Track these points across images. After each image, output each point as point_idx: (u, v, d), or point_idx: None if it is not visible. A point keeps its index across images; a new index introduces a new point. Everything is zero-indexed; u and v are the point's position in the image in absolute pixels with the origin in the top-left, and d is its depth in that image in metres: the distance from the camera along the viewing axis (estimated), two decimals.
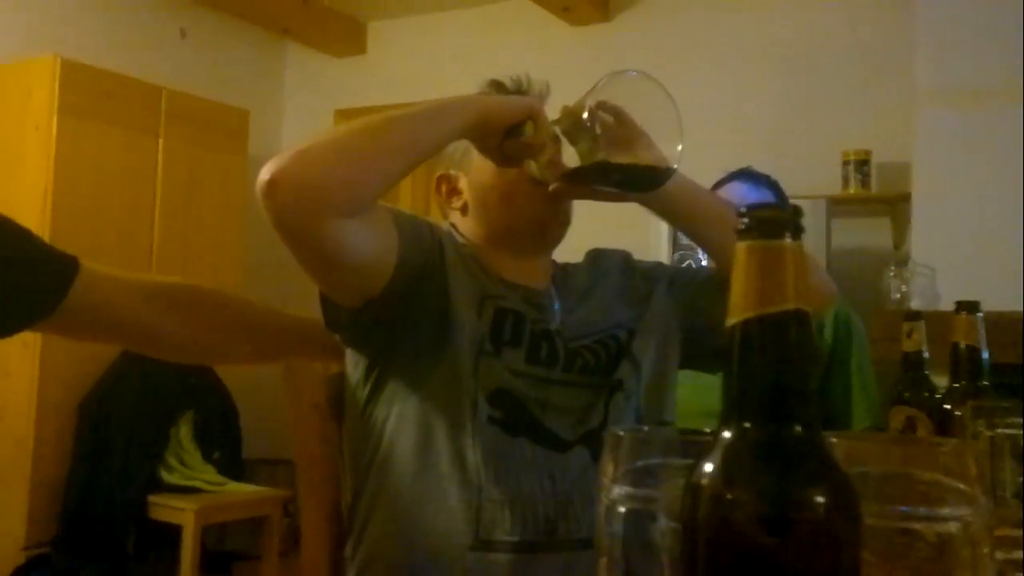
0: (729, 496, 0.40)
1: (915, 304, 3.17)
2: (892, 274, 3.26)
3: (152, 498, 3.81)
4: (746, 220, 0.43)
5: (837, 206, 3.74)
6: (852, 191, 3.80)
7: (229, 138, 4.60)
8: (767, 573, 0.38)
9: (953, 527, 0.51)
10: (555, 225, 1.44)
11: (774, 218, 0.43)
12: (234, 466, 4.24)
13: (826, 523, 0.39)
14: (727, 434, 0.42)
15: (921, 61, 3.48)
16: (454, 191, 1.48)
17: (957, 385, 1.20)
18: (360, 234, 1.20)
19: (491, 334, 1.34)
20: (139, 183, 4.21)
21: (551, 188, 1.36)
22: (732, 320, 0.42)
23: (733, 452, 0.41)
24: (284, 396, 1.41)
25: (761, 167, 2.46)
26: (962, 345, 1.20)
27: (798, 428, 0.41)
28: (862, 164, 3.79)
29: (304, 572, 1.39)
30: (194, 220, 4.40)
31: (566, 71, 4.35)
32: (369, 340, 1.34)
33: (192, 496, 3.81)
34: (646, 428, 1.24)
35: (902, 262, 3.39)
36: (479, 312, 1.34)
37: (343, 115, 5.23)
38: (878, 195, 3.81)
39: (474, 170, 1.43)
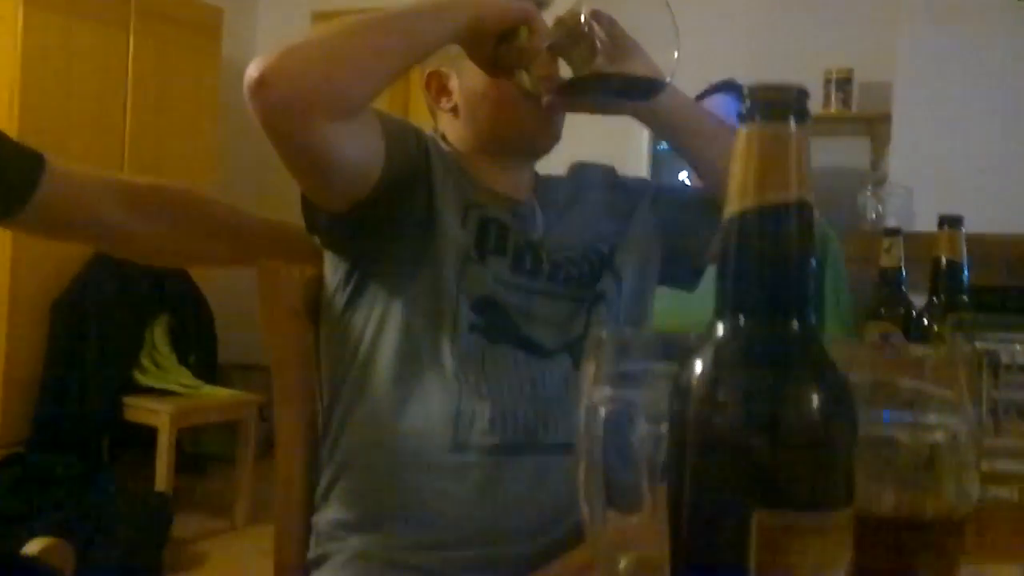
0: (720, 395, 0.39)
1: (890, 224, 3.18)
2: (869, 193, 3.26)
3: (127, 399, 3.83)
4: (749, 101, 0.41)
5: (817, 124, 3.69)
6: (833, 110, 3.78)
7: (202, 36, 4.50)
8: (757, 477, 0.38)
9: (939, 436, 0.51)
10: (546, 139, 1.42)
11: (778, 100, 0.41)
12: (209, 370, 4.26)
13: (821, 426, 0.38)
14: (720, 330, 0.41)
15: None
16: (444, 90, 1.44)
17: (936, 300, 1.20)
18: (349, 137, 1.17)
19: (476, 242, 1.33)
20: (109, 79, 4.12)
21: (544, 101, 1.33)
22: (730, 210, 0.41)
23: (726, 349, 0.40)
24: (258, 299, 1.39)
25: (743, 81, 2.43)
26: (943, 259, 1.20)
27: (795, 325, 0.40)
28: (844, 83, 3.77)
29: (278, 476, 1.40)
30: (166, 119, 4.32)
31: None
32: (351, 244, 1.33)
33: (167, 398, 3.83)
34: (629, 330, 1.24)
35: (879, 182, 3.40)
36: (464, 220, 1.33)
37: (320, 18, 5.11)
38: (859, 114, 3.80)
39: (467, 73, 1.39)
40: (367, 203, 1.25)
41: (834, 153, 3.88)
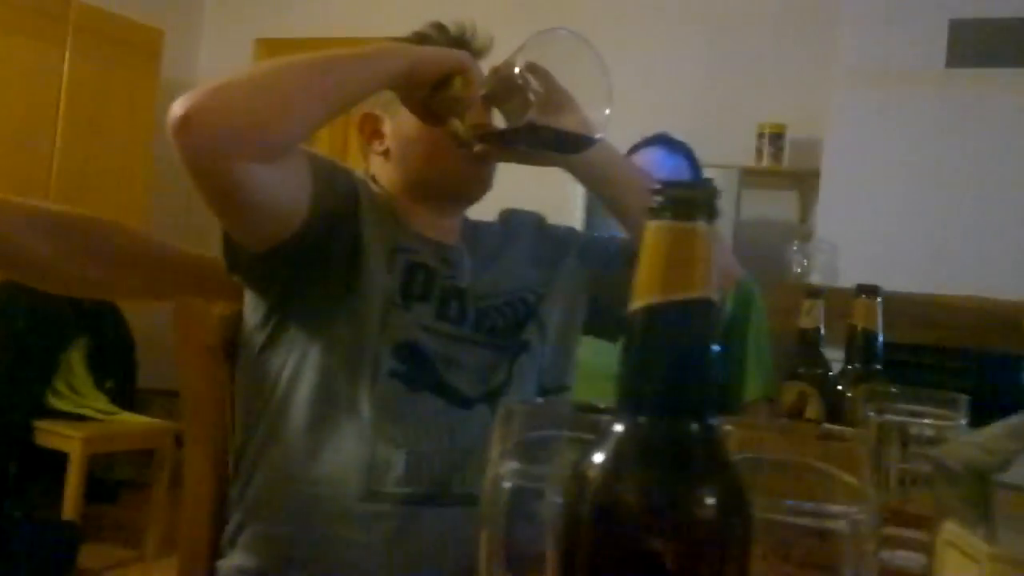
0: (614, 491, 0.38)
1: (815, 279, 3.24)
2: (796, 248, 3.33)
3: (38, 423, 3.70)
4: (660, 198, 0.41)
5: (748, 177, 3.79)
6: (765, 164, 3.85)
7: (141, 58, 4.43)
8: (648, 573, 0.37)
9: (841, 524, 0.51)
10: (476, 187, 1.41)
11: (690, 199, 0.41)
12: (127, 395, 4.15)
13: (713, 528, 0.38)
14: (619, 425, 0.41)
15: (843, 40, 3.52)
16: (377, 133, 1.43)
17: (851, 367, 1.22)
18: (274, 179, 1.15)
19: (401, 287, 1.31)
20: (42, 97, 4.03)
21: (476, 149, 1.33)
22: (635, 304, 0.41)
23: (623, 446, 0.40)
24: (174, 335, 1.36)
25: (677, 133, 2.46)
26: (859, 328, 1.22)
27: (694, 425, 0.40)
28: (776, 137, 3.85)
29: (183, 517, 1.36)
30: (98, 141, 4.24)
31: (494, 14, 4.29)
32: (272, 284, 1.30)
33: (80, 424, 3.72)
34: (540, 401, 1.23)
35: (806, 237, 3.46)
36: (390, 264, 1.32)
37: (263, 46, 5.08)
38: (789, 169, 3.87)
39: (400, 117, 1.38)
40: (291, 244, 1.23)
41: (764, 206, 3.96)
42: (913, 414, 0.98)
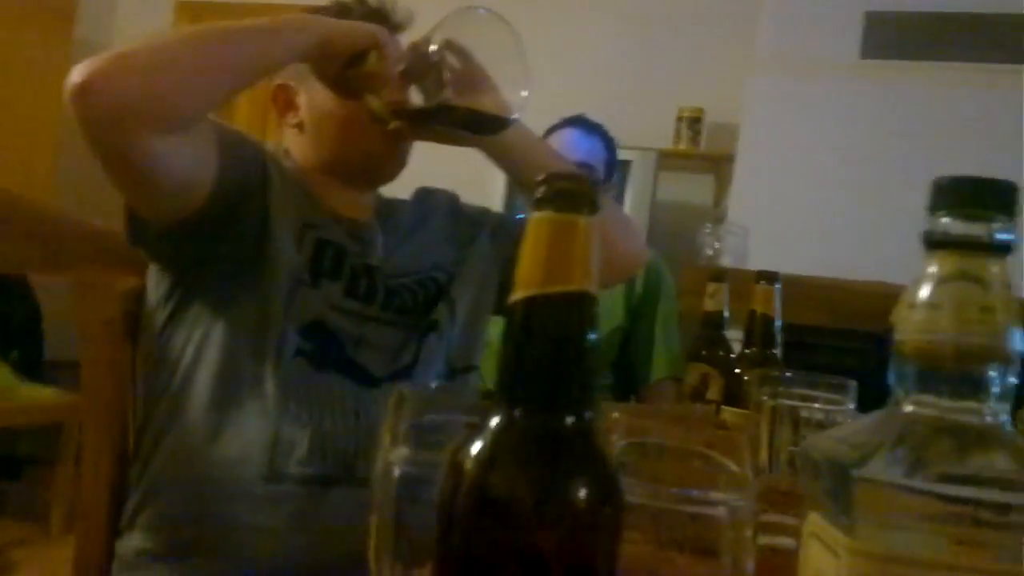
0: (487, 483, 0.39)
1: (725, 261, 3.30)
2: (708, 231, 3.38)
3: None
4: (542, 189, 0.42)
5: (666, 160, 3.83)
6: (682, 147, 3.90)
7: (53, 21, 4.28)
8: (519, 566, 0.38)
9: (720, 511, 0.53)
10: (391, 164, 1.40)
11: (572, 191, 0.41)
12: (33, 367, 4.03)
13: (583, 519, 0.39)
14: (496, 418, 0.41)
15: (761, 27, 3.57)
16: (291, 105, 1.41)
17: (748, 351, 1.25)
18: (177, 152, 1.11)
19: (310, 264, 1.30)
20: None
21: (391, 126, 1.31)
22: (515, 296, 0.41)
23: (498, 439, 0.40)
24: (73, 310, 1.33)
25: (596, 115, 2.48)
26: (758, 313, 1.25)
27: (569, 419, 0.40)
28: (694, 121, 3.90)
29: (81, 499, 1.33)
30: (5, 106, 4.09)
31: None
32: (176, 260, 1.28)
33: None
34: (432, 387, 1.24)
35: (719, 220, 3.52)
36: (299, 241, 1.30)
37: (183, 8, 4.94)
38: (706, 153, 3.93)
39: (315, 90, 1.36)
40: (195, 218, 1.20)
41: (680, 188, 4.01)
42: (805, 398, 1.00)
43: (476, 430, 0.41)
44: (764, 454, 1.01)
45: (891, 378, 0.47)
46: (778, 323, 1.25)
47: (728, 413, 1.19)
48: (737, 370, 1.23)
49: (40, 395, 3.83)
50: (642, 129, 3.78)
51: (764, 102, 3.51)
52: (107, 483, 1.32)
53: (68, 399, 3.82)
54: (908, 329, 0.47)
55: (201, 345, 1.26)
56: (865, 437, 0.44)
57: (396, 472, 0.59)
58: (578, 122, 2.36)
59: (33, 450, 4.15)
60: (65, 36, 4.32)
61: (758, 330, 1.25)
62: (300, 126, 1.40)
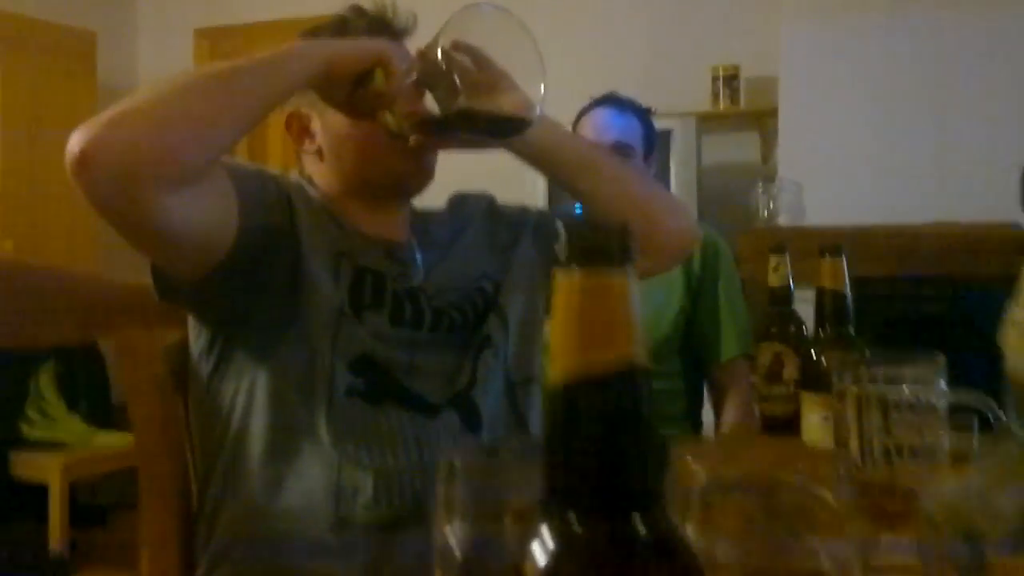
0: None
1: (782, 220, 3.20)
2: (761, 190, 3.27)
3: (13, 455, 3.62)
4: (564, 245, 0.35)
5: (707, 122, 3.73)
6: (722, 107, 3.79)
7: (75, 62, 4.30)
8: None
9: (825, 563, 0.46)
10: (417, 178, 1.34)
11: (598, 244, 0.35)
12: (103, 414, 4.06)
13: None
14: (551, 525, 0.34)
15: None
16: (306, 132, 1.35)
17: (822, 332, 1.17)
18: (193, 204, 1.06)
19: (351, 297, 1.24)
20: None
21: (411, 141, 1.25)
22: (552, 379, 0.35)
23: (562, 558, 0.34)
24: (117, 372, 1.29)
25: (630, 86, 2.40)
26: (827, 289, 1.17)
27: (636, 517, 0.33)
28: (731, 79, 3.79)
29: (150, 569, 1.30)
30: (40, 153, 4.11)
31: None
32: (211, 311, 1.23)
33: (57, 451, 3.64)
34: (481, 451, 1.18)
35: (770, 178, 3.41)
36: (336, 273, 1.24)
37: (203, 36, 4.95)
38: (747, 110, 3.81)
39: (328, 113, 1.29)
40: (224, 267, 1.15)
41: (725, 149, 3.90)
42: (890, 379, 0.93)
43: (532, 534, 0.35)
44: (854, 444, 0.94)
45: (1008, 413, 0.40)
46: (848, 299, 1.17)
47: (809, 400, 1.11)
48: (813, 352, 1.15)
49: (114, 441, 3.85)
50: (678, 94, 3.68)
51: (799, 50, 3.39)
52: (174, 544, 1.28)
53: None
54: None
55: (250, 395, 1.21)
56: (997, 499, 0.37)
57: (456, 550, 0.54)
58: (610, 100, 2.27)
59: (114, 496, 4.19)
60: (89, 77, 4.34)
61: (829, 307, 1.17)
62: (319, 153, 1.34)
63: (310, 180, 1.36)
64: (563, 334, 0.34)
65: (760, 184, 3.35)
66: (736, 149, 3.94)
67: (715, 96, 3.81)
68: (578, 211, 1.52)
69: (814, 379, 1.13)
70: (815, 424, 1.10)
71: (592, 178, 1.37)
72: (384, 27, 1.33)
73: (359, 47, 1.20)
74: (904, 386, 0.90)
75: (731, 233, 2.47)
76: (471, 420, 1.27)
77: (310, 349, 1.20)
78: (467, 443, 1.24)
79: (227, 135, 1.09)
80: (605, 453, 0.33)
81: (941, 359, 0.90)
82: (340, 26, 1.34)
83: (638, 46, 4.03)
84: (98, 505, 4.17)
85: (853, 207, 3.07)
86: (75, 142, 0.98)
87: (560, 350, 0.34)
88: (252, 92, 1.11)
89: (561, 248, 0.35)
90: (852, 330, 1.16)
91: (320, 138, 1.34)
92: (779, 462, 0.54)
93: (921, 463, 0.88)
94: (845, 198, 3.12)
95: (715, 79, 3.81)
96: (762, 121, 3.84)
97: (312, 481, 1.17)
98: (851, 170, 3.19)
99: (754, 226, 3.22)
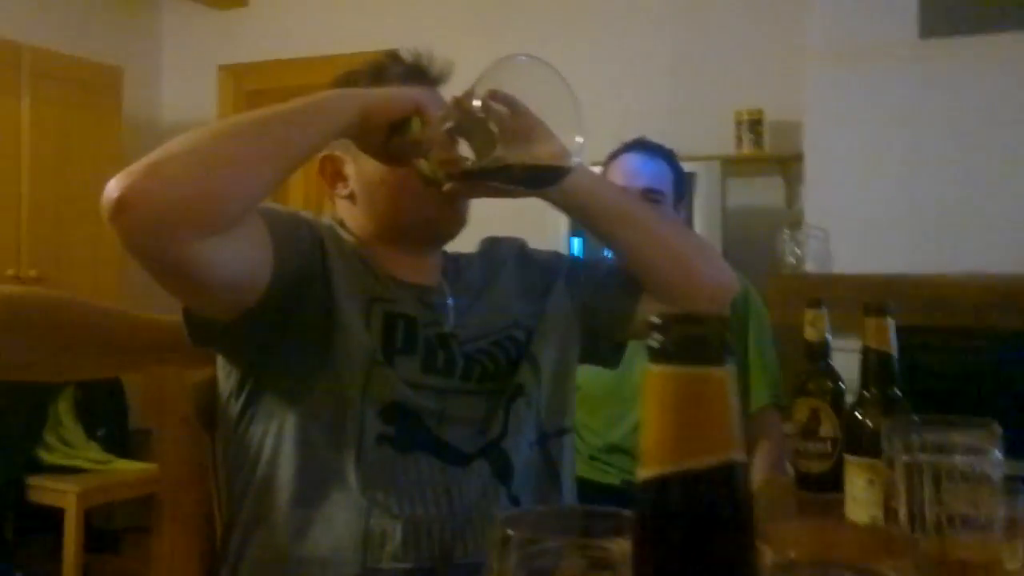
0: None
1: (809, 267, 3.17)
2: (787, 237, 3.25)
3: (31, 480, 3.62)
4: (660, 337, 0.33)
5: (731, 166, 3.71)
6: (746, 151, 3.78)
7: (102, 97, 4.33)
8: None
9: None
10: (451, 225, 1.33)
11: (698, 337, 0.33)
12: (120, 441, 4.06)
13: None
14: None
15: (813, 17, 3.45)
16: (339, 176, 1.35)
17: (868, 393, 1.14)
18: (228, 249, 1.06)
19: (383, 342, 1.23)
20: (3, 149, 3.94)
21: (445, 188, 1.24)
22: (645, 473, 0.33)
23: None
24: (145, 408, 1.28)
25: (653, 129, 2.39)
26: (872, 349, 1.15)
27: None
28: (755, 123, 3.77)
29: None
30: (66, 185, 4.14)
31: (458, 24, 4.22)
32: (242, 353, 1.22)
33: (74, 476, 3.63)
34: (535, 514, 1.16)
35: (796, 223, 3.39)
36: (367, 318, 1.23)
37: (227, 71, 4.99)
38: (771, 154, 3.79)
39: (362, 158, 1.29)
40: (257, 311, 1.14)
41: (750, 193, 3.88)
42: (942, 448, 0.90)
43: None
44: (904, 512, 0.91)
45: None
46: (895, 359, 1.14)
47: (854, 464, 1.08)
48: (858, 413, 1.12)
49: (129, 470, 3.84)
50: (702, 138, 3.68)
51: (824, 94, 3.37)
52: None
53: (156, 470, 3.82)
54: None
55: (279, 438, 1.20)
56: None
57: None
58: (639, 146, 2.25)
59: (128, 522, 4.18)
60: (115, 113, 4.37)
61: (874, 368, 1.14)
62: (352, 197, 1.34)
63: (342, 223, 1.36)
64: (659, 428, 0.33)
65: (786, 230, 3.32)
66: (760, 193, 3.92)
67: (739, 140, 3.80)
68: (607, 255, 1.50)
69: (859, 442, 1.10)
70: (860, 488, 1.08)
71: (627, 227, 1.36)
72: (420, 74, 1.33)
73: (396, 95, 1.20)
74: (957, 456, 0.88)
75: (756, 278, 2.45)
76: (502, 470, 1.26)
77: (340, 395, 1.19)
78: (514, 509, 1.22)
79: (265, 182, 1.09)
80: (700, 550, 0.32)
81: (996, 428, 0.88)
82: (376, 72, 1.34)
83: (663, 89, 4.03)
84: (112, 530, 4.15)
85: (880, 255, 3.05)
86: (113, 187, 0.98)
87: (654, 444, 0.33)
88: (290, 140, 1.11)
89: (657, 341, 0.33)
90: (899, 391, 1.13)
91: (353, 182, 1.33)
92: (842, 543, 0.51)
93: (975, 535, 0.85)
94: (872, 245, 3.10)
95: (739, 123, 3.80)
96: (786, 166, 3.82)
97: (340, 528, 1.15)
98: (878, 217, 3.16)
99: (780, 272, 3.20)
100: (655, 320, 0.34)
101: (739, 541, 0.32)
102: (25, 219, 4.02)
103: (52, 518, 3.51)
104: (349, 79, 1.33)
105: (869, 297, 1.23)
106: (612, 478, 2.10)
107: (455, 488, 1.20)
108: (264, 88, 4.87)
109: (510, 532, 0.55)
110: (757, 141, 3.77)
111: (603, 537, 0.53)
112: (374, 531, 1.15)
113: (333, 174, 1.35)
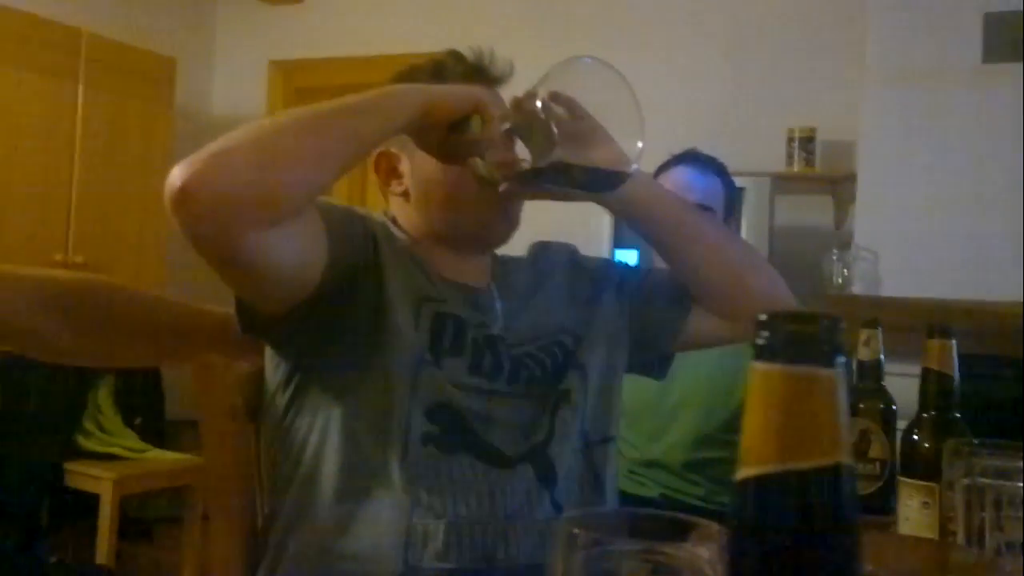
0: None
1: (857, 288, 3.13)
2: (835, 257, 3.21)
3: (69, 465, 3.66)
4: (767, 334, 0.32)
5: (780, 183, 3.68)
6: (796, 169, 3.74)
7: (155, 87, 4.38)
8: None
9: None
10: (503, 227, 1.33)
11: (807, 336, 0.32)
12: (156, 431, 4.10)
13: None
14: None
15: (872, 39, 3.41)
16: (394, 172, 1.34)
17: (926, 415, 1.12)
18: (285, 242, 1.06)
19: (431, 342, 1.22)
20: (57, 133, 4.00)
21: (501, 189, 1.24)
22: (745, 473, 0.32)
23: None
24: (195, 397, 1.28)
25: (705, 142, 2.36)
26: (933, 371, 1.12)
27: None
28: (807, 141, 3.74)
29: None
30: (116, 173, 4.19)
31: (514, 32, 4.22)
32: (291, 345, 1.22)
33: (111, 464, 3.66)
34: (602, 516, 1.14)
35: (844, 243, 3.35)
36: (417, 318, 1.23)
37: (278, 67, 5.03)
38: (822, 173, 3.76)
39: (418, 156, 1.28)
40: (309, 304, 1.15)
41: (796, 211, 3.84)
42: (1002, 472, 0.88)
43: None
44: (961, 536, 0.89)
45: None
46: (956, 382, 1.12)
47: (909, 485, 1.06)
48: (915, 436, 1.10)
49: (165, 459, 3.88)
50: (753, 153, 3.64)
51: (882, 116, 3.34)
52: (238, 570, 1.26)
53: (191, 461, 3.86)
54: None
55: (324, 432, 1.20)
56: None
57: None
58: (690, 159, 2.22)
59: (162, 512, 4.21)
60: (167, 102, 4.41)
61: (933, 391, 1.12)
62: (405, 194, 1.34)
63: (394, 220, 1.35)
64: (762, 427, 0.31)
65: (834, 250, 3.29)
66: (808, 212, 3.88)
67: (789, 157, 3.76)
68: (658, 265, 1.49)
69: (914, 463, 1.08)
70: (915, 509, 1.05)
71: (685, 238, 1.34)
72: (481, 74, 1.32)
73: (458, 93, 1.19)
74: (1020, 481, 0.86)
75: (800, 298, 2.41)
76: (546, 475, 1.24)
77: (388, 391, 1.18)
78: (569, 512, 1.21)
79: (327, 176, 1.09)
80: (802, 553, 0.30)
81: None
82: (437, 71, 1.33)
83: (716, 101, 4.00)
84: (145, 519, 4.19)
85: (931, 279, 3.00)
86: (176, 176, 0.98)
87: (757, 443, 0.32)
88: (349, 134, 1.11)
89: (765, 339, 0.32)
90: (957, 414, 1.11)
91: (408, 180, 1.33)
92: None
93: None
94: (923, 269, 3.05)
95: (791, 140, 3.77)
96: (836, 185, 3.78)
97: (382, 525, 1.15)
98: (929, 241, 3.12)
99: (826, 292, 3.16)
100: (764, 318, 0.33)
101: (843, 547, 0.31)
102: (74, 205, 4.07)
103: (87, 504, 3.54)
104: (410, 75, 1.33)
105: (920, 321, 1.21)
106: (651, 491, 2.08)
107: (498, 491, 1.19)
108: (313, 85, 4.90)
109: (576, 531, 0.54)
110: (808, 159, 3.73)
111: (669, 542, 0.52)
112: (416, 530, 1.14)
113: (388, 170, 1.35)
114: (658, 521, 0.54)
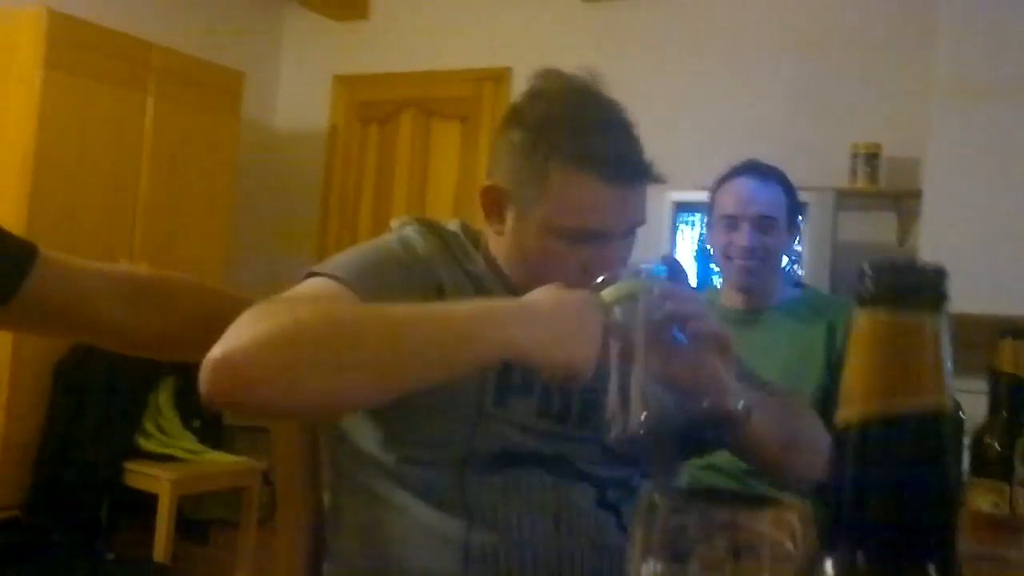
0: None
1: None
2: None
3: (128, 465, 3.72)
4: (872, 284, 0.33)
5: (844, 199, 3.64)
6: (859, 185, 3.70)
7: (222, 100, 4.47)
8: None
9: None
10: None
11: (912, 284, 0.33)
12: (214, 434, 4.15)
13: None
14: (834, 562, 0.32)
15: (940, 55, 3.37)
16: (498, 213, 1.24)
17: (997, 416, 1.11)
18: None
19: (498, 378, 1.17)
20: (126, 142, 4.09)
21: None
22: (846, 414, 0.33)
23: None
24: None
25: (768, 157, 2.34)
26: (1005, 374, 1.11)
27: (933, 571, 0.31)
28: (872, 157, 3.70)
29: None
30: (182, 183, 4.28)
31: (574, 44, 4.23)
32: None
33: (169, 464, 3.72)
34: (682, 491, 1.11)
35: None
36: None
37: (341, 81, 5.10)
38: (886, 190, 3.72)
39: (527, 217, 1.19)
40: None
41: (860, 227, 3.80)
42: None
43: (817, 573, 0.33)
44: None
45: None
46: None
47: (979, 485, 1.05)
48: (986, 437, 1.09)
49: (222, 462, 3.93)
50: (816, 168, 3.61)
51: (949, 132, 3.29)
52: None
53: (248, 465, 3.91)
54: None
55: (381, 443, 1.18)
56: None
57: None
58: (752, 169, 2.19)
59: (218, 514, 4.27)
60: (234, 116, 4.49)
61: (1005, 393, 1.10)
62: (500, 233, 1.26)
63: (479, 235, 1.31)
64: (866, 370, 0.32)
65: None
66: (872, 228, 3.84)
67: (853, 173, 3.73)
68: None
69: (985, 464, 1.07)
70: (983, 511, 1.04)
71: (790, 454, 1.22)
72: (621, 168, 1.17)
73: (552, 354, 1.01)
74: None
75: None
76: (613, 499, 1.22)
77: (450, 426, 1.15)
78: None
79: (371, 398, 1.05)
80: (905, 497, 0.31)
81: None
82: (577, 126, 1.18)
83: (780, 115, 3.98)
84: (201, 521, 4.25)
85: (998, 297, 2.95)
86: (218, 348, 0.94)
87: (861, 385, 0.32)
88: (415, 359, 1.01)
89: (867, 285, 0.33)
90: None
91: (509, 226, 1.23)
92: None
93: None
94: (989, 287, 3.00)
95: (855, 155, 3.73)
96: (900, 202, 3.73)
97: (442, 540, 1.13)
98: (996, 258, 3.07)
99: None
100: (868, 268, 0.34)
101: (941, 483, 0.31)
102: (140, 212, 4.15)
103: (145, 504, 3.60)
104: (542, 127, 1.19)
105: (983, 338, 1.18)
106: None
107: (563, 511, 1.16)
108: (375, 100, 4.97)
109: (657, 500, 0.54)
110: (872, 175, 3.70)
111: (748, 512, 0.53)
112: (475, 545, 1.12)
113: (492, 205, 1.24)
114: (739, 496, 0.55)
